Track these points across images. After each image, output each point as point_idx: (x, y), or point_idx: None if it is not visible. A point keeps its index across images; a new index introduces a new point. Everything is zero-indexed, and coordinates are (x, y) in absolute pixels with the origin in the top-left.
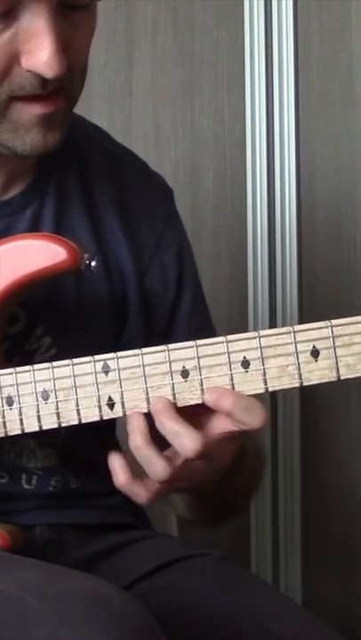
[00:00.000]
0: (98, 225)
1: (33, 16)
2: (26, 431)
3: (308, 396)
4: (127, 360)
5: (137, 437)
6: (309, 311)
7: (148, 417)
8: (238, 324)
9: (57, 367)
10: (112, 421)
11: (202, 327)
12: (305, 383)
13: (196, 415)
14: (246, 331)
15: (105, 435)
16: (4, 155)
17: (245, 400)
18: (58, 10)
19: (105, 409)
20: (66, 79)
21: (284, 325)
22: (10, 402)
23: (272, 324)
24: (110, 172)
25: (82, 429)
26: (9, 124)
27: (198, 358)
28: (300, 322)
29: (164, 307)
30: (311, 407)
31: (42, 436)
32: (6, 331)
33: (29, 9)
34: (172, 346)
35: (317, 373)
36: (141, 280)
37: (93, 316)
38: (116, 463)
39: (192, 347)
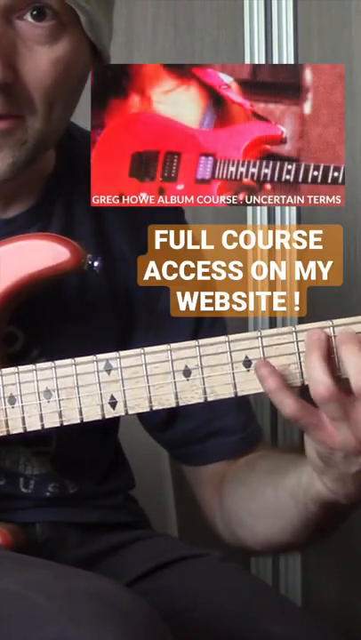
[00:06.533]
0: (106, 245)
1: None
2: (28, 430)
3: (308, 396)
4: (130, 359)
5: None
6: (309, 311)
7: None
8: (238, 324)
9: (59, 367)
10: (115, 423)
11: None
12: (306, 382)
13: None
14: (246, 330)
15: (106, 437)
16: None
17: None
18: (5, 18)
19: (107, 408)
20: (20, 104)
21: (283, 325)
22: (12, 400)
23: (272, 324)
24: None
25: (76, 435)
26: None
27: (200, 357)
28: (300, 322)
29: (184, 323)
30: None
31: (34, 444)
32: (6, 351)
33: None
34: (174, 345)
35: None
36: (154, 300)
37: (93, 340)
38: (264, 369)
39: (194, 346)
